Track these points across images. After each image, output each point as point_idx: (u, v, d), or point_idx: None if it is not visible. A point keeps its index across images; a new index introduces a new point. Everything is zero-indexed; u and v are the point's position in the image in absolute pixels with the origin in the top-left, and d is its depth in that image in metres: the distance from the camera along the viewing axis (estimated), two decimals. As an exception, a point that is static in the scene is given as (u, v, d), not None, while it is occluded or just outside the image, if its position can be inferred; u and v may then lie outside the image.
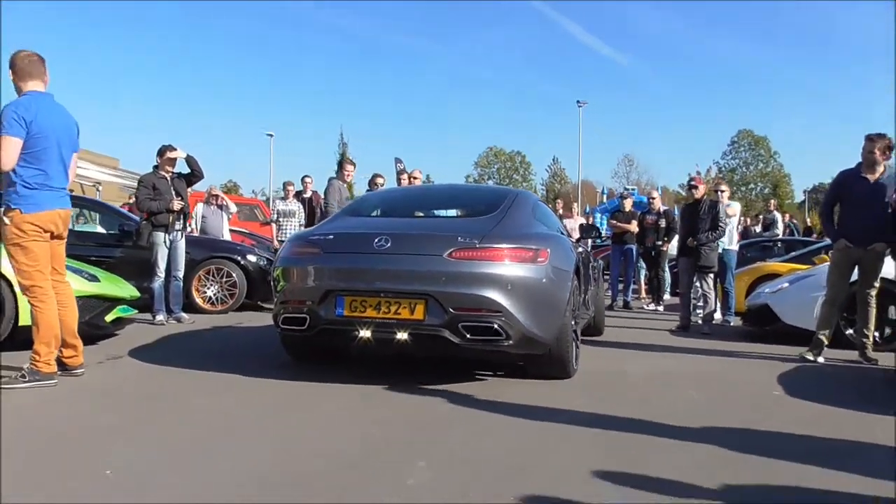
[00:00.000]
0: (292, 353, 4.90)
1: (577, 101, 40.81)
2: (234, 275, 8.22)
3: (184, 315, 7.25)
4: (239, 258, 8.38)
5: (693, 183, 7.85)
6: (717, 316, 8.38)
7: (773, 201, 23.24)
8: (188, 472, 2.61)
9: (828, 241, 9.21)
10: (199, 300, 8.14)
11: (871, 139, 5.63)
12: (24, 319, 5.02)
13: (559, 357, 4.39)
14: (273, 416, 3.52)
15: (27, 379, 3.87)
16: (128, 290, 5.96)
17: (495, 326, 3.97)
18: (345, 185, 8.66)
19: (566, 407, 3.73)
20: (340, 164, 8.89)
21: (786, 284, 7.22)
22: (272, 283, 4.59)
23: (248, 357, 5.17)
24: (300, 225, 10.97)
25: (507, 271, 4.04)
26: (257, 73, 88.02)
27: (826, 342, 5.64)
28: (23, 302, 4.99)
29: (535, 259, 4.14)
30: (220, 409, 3.61)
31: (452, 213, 5.32)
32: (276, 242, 10.75)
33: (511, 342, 4.02)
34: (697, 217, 7.54)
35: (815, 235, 17.48)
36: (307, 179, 11.39)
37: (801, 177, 68.12)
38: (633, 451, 2.98)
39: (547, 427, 3.35)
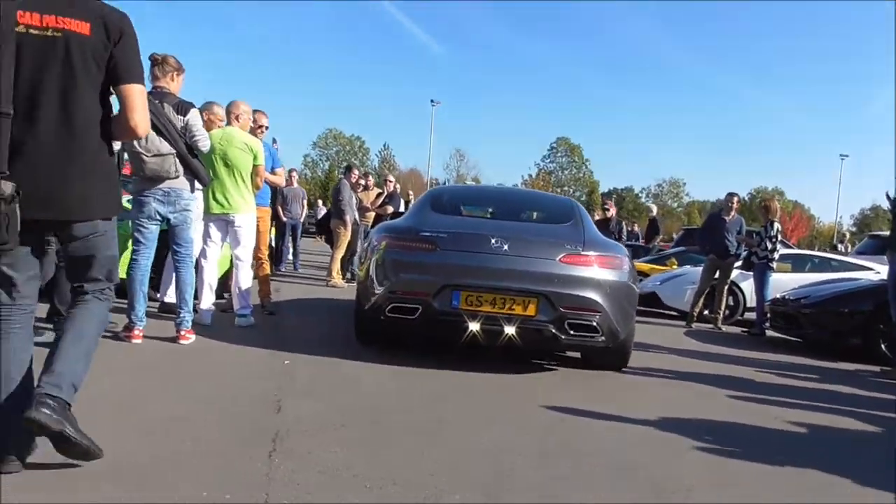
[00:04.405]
0: (364, 338, 5.23)
1: (431, 101, 44.36)
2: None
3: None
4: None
5: (606, 207, 11.32)
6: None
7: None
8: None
9: (674, 249, 13.23)
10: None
11: (729, 195, 9.39)
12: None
13: (625, 349, 4.98)
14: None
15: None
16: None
17: (594, 324, 4.50)
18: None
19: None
20: (348, 168, 11.21)
21: (658, 283, 10.78)
22: (372, 273, 4.77)
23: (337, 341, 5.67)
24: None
25: (604, 275, 4.60)
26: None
27: (695, 317, 9.21)
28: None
29: (622, 265, 4.74)
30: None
31: (533, 217, 5.90)
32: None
33: (603, 337, 4.58)
34: (608, 231, 10.94)
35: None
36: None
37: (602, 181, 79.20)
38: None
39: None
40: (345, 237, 10.45)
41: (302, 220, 13.52)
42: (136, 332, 4.67)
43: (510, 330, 4.43)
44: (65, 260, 2.51)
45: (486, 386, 4.33)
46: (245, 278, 5.69)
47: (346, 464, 2.70)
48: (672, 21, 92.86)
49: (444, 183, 48.61)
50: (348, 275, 11.00)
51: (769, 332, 8.53)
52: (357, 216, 10.92)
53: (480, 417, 3.61)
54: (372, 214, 11.63)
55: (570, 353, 5.44)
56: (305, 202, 13.82)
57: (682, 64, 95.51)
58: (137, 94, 2.40)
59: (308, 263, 13.86)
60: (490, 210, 5.93)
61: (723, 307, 9.22)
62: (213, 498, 2.28)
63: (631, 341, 5.02)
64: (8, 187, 2.13)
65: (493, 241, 4.60)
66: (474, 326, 4.43)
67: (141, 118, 2.41)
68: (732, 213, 9.31)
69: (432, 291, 4.48)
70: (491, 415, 3.69)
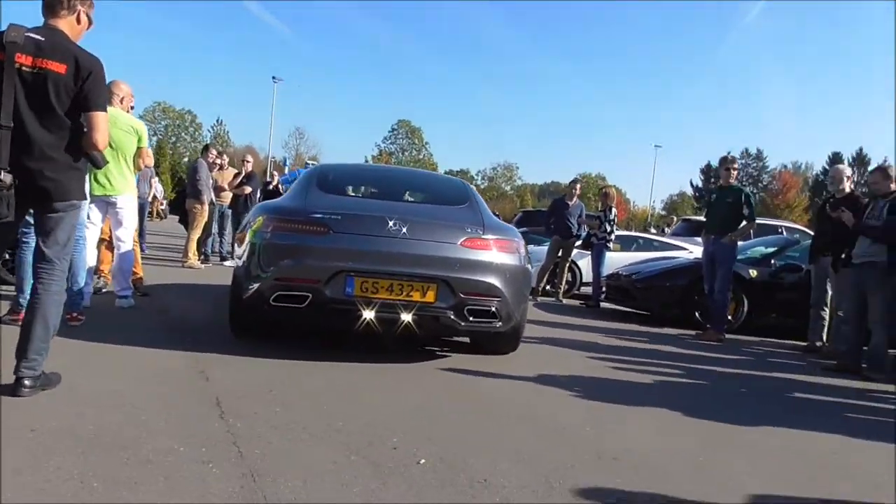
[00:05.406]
0: (240, 330, 4.85)
1: (273, 77, 43.18)
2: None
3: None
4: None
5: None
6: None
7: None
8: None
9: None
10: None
11: (573, 182, 10.51)
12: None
13: (518, 333, 4.94)
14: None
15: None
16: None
17: (493, 309, 4.37)
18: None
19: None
20: (206, 147, 10.94)
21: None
22: (253, 258, 4.39)
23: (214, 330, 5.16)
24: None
25: (504, 259, 4.46)
26: None
27: (540, 291, 10.21)
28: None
29: (519, 249, 4.63)
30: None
31: (426, 198, 5.58)
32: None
33: (500, 323, 4.45)
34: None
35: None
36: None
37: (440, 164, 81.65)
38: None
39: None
40: (201, 217, 10.31)
41: (150, 199, 13.08)
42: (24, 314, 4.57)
43: (407, 317, 4.21)
44: (38, 232, 3.20)
45: (384, 359, 4.67)
46: (126, 260, 5.68)
47: (291, 420, 3.06)
48: (512, 12, 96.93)
49: (283, 161, 47.18)
50: (202, 256, 10.90)
51: (603, 304, 9.69)
52: (213, 196, 10.80)
53: (387, 382, 4.05)
54: (228, 194, 11.53)
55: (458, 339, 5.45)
56: (154, 181, 13.33)
57: (518, 54, 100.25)
58: (100, 119, 3.14)
59: (151, 244, 13.39)
60: (381, 190, 5.62)
61: (563, 282, 10.29)
62: (191, 451, 2.56)
63: (524, 325, 4.95)
64: (8, 178, 2.92)
65: (390, 223, 4.33)
66: (369, 314, 4.17)
67: (101, 137, 3.15)
68: (574, 198, 10.38)
69: (324, 278, 4.16)
70: (397, 379, 4.15)
